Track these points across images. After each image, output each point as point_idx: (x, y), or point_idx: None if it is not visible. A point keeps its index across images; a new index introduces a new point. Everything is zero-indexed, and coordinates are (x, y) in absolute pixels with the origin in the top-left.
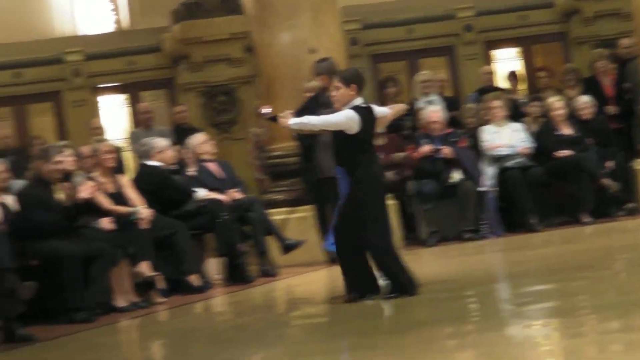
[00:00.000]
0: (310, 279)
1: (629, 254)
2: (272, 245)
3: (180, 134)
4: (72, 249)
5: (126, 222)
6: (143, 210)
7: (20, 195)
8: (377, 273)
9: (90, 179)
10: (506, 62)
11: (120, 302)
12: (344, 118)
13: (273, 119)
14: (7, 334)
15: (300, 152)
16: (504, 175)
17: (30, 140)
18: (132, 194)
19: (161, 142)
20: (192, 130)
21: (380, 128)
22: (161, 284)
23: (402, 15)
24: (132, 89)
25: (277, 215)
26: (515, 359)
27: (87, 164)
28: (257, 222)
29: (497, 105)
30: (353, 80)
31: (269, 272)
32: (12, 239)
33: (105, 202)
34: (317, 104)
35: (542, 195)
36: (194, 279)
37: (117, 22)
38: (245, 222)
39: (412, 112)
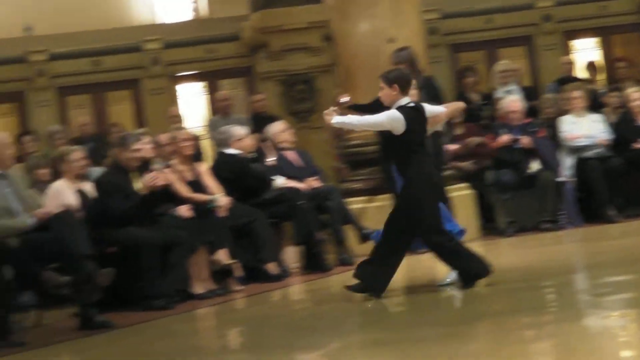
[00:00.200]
0: None
1: None
2: (350, 234)
3: (258, 122)
4: (150, 237)
5: (204, 210)
6: (221, 198)
7: (99, 183)
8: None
9: (169, 166)
10: (585, 52)
11: (198, 289)
12: (387, 118)
13: (352, 107)
14: (84, 320)
15: (379, 140)
16: (582, 165)
17: (108, 127)
18: (210, 181)
19: (240, 130)
20: (271, 119)
21: (435, 127)
22: (239, 271)
23: (481, 5)
24: (210, 77)
25: (355, 204)
26: (592, 350)
27: (166, 151)
28: (335, 211)
29: (577, 95)
30: (395, 80)
31: (346, 261)
32: (90, 226)
33: (184, 190)
34: None
35: (620, 186)
36: (272, 267)
37: (196, 10)
38: (323, 211)
39: (490, 102)
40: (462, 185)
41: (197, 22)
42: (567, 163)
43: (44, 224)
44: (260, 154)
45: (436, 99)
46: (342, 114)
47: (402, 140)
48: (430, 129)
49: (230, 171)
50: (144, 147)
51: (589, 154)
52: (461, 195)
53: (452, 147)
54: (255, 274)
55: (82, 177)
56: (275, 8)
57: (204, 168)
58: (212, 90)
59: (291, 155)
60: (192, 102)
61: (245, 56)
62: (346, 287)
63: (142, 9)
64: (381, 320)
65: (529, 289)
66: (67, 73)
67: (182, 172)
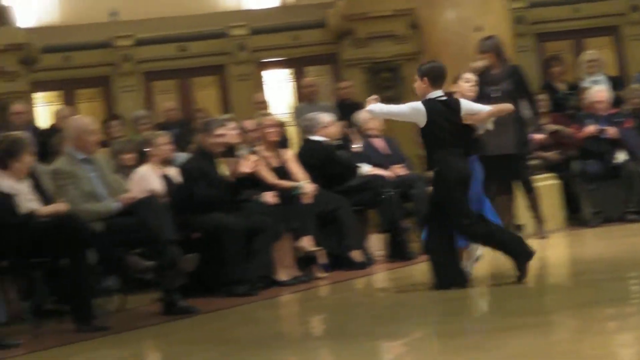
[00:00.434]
0: None
1: None
2: None
3: (344, 109)
4: (235, 222)
5: (289, 197)
6: (306, 185)
7: (183, 168)
8: (464, 264)
9: (254, 152)
10: None
11: (282, 276)
12: (409, 109)
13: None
14: (167, 305)
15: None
16: None
17: (194, 113)
18: (295, 168)
19: (326, 117)
20: (356, 106)
21: (485, 125)
22: (323, 259)
23: None
24: (296, 64)
25: None
26: None
27: (251, 137)
28: (420, 199)
29: None
30: (425, 73)
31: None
32: (174, 211)
33: (269, 176)
34: (483, 82)
35: None
36: (356, 255)
37: None
38: (407, 199)
39: (576, 92)
40: (548, 175)
41: (283, 8)
42: None
43: (128, 208)
44: (345, 141)
45: (522, 88)
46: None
47: (426, 134)
48: (481, 125)
49: (316, 158)
50: (228, 132)
51: None
52: (546, 185)
53: (538, 136)
54: (339, 262)
55: (167, 162)
56: None
57: (290, 155)
58: (297, 77)
59: (378, 142)
60: (278, 89)
61: (331, 43)
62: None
63: None
64: (464, 309)
65: (613, 280)
66: (153, 58)
67: (267, 159)
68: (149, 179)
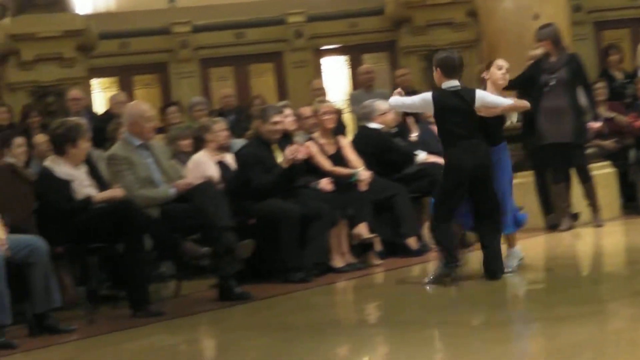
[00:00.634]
0: (528, 245)
1: None
2: None
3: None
4: (291, 209)
5: (346, 184)
6: (363, 172)
7: (239, 155)
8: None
9: (311, 139)
10: None
11: (338, 263)
12: (419, 100)
13: None
14: (223, 291)
15: (522, 117)
16: None
17: (251, 100)
18: (351, 155)
19: (383, 105)
20: (414, 94)
21: (510, 116)
22: (379, 246)
23: None
24: (353, 51)
25: None
26: None
27: (308, 124)
28: None
29: None
30: (438, 64)
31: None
32: (230, 198)
33: (325, 163)
34: (540, 70)
35: None
36: (412, 242)
37: None
38: None
39: (634, 80)
40: (604, 163)
41: None
42: None
43: (184, 194)
44: (403, 129)
45: (579, 77)
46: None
47: (437, 123)
48: (508, 115)
49: (372, 145)
50: (284, 119)
51: None
52: (603, 173)
53: (595, 125)
54: (395, 249)
55: (223, 149)
56: None
57: (346, 142)
58: (354, 64)
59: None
60: (335, 76)
61: (389, 30)
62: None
63: None
64: (519, 298)
65: None
66: (210, 45)
67: (323, 145)
68: (205, 166)
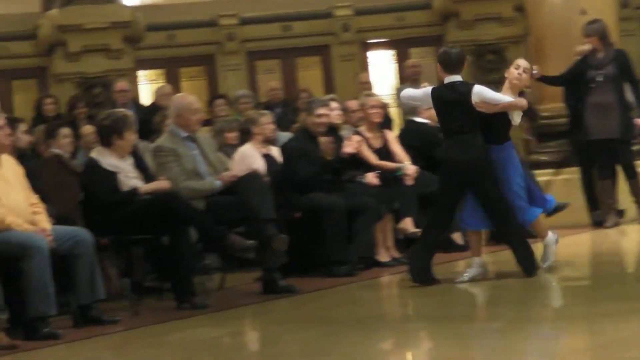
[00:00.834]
0: (572, 242)
1: None
2: None
3: None
4: (336, 203)
5: (391, 178)
6: (409, 167)
7: (285, 148)
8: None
9: (357, 133)
10: None
11: (383, 257)
12: (422, 94)
13: (541, 79)
14: (267, 284)
15: (569, 113)
16: None
17: (297, 93)
18: (398, 149)
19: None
20: None
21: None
22: None
23: None
24: (400, 45)
25: (542, 176)
26: None
27: (354, 118)
28: None
29: None
30: (438, 59)
31: (532, 233)
32: (276, 191)
33: (371, 157)
34: (587, 66)
35: None
36: (457, 237)
37: None
38: None
39: None
40: None
41: None
42: None
43: (230, 187)
44: None
45: (626, 73)
46: (531, 85)
47: (437, 118)
48: (511, 115)
49: (418, 139)
50: (329, 112)
51: None
52: None
53: None
54: (440, 243)
55: (269, 141)
56: None
57: (392, 136)
58: (401, 58)
59: None
60: (382, 70)
61: (436, 25)
62: None
63: None
64: (563, 294)
65: None
66: (257, 38)
67: (369, 139)
68: (251, 158)
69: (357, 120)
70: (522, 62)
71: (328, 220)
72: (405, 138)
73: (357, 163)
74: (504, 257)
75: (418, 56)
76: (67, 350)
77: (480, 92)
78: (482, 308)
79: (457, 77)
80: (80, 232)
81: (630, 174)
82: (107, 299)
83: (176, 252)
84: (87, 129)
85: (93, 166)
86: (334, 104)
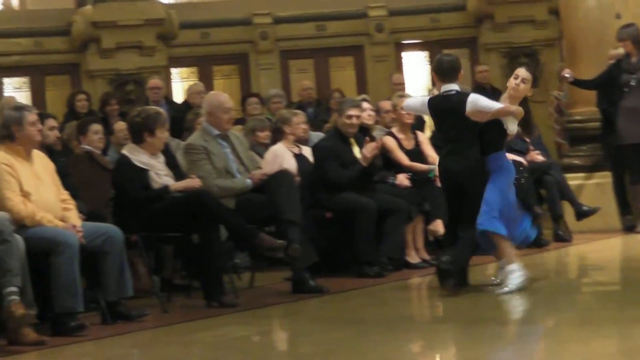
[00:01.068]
0: (603, 246)
1: None
2: (567, 211)
3: (480, 93)
4: (368, 203)
5: (423, 179)
6: None
7: (317, 148)
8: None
9: (389, 134)
10: None
11: (413, 258)
12: (420, 104)
13: (574, 83)
14: (297, 284)
15: (602, 117)
16: None
17: (330, 93)
18: (430, 151)
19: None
20: (493, 91)
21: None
22: None
23: None
24: (434, 47)
25: (573, 180)
26: None
27: (386, 119)
28: (554, 186)
29: None
30: (433, 69)
31: (562, 237)
32: (307, 190)
33: (403, 158)
34: (620, 70)
35: None
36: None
37: None
38: (541, 185)
39: None
40: None
41: None
42: None
43: (261, 185)
44: None
45: None
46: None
47: (435, 127)
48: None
49: None
50: (360, 113)
51: None
52: None
53: None
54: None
55: (302, 141)
56: None
57: (424, 137)
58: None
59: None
60: (415, 71)
61: (470, 27)
62: None
63: None
64: (596, 298)
65: None
66: (291, 37)
67: (401, 140)
68: (282, 157)
69: (390, 121)
70: (521, 72)
71: (359, 220)
72: (437, 140)
73: (389, 164)
74: (536, 260)
75: None
76: (94, 346)
77: (475, 100)
78: (512, 311)
79: (453, 86)
80: (111, 229)
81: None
82: (136, 296)
83: (206, 250)
84: (121, 125)
85: (124, 163)
86: (365, 105)
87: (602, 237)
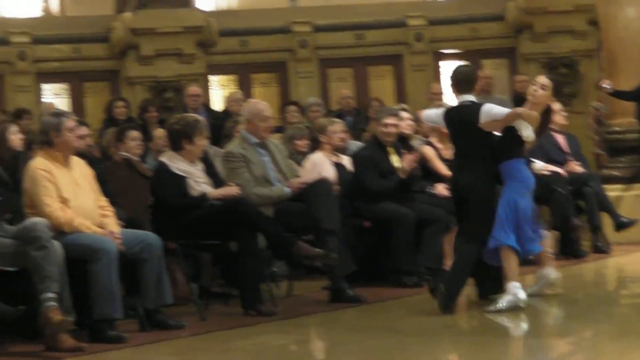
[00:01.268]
0: (637, 259)
1: None
2: (606, 222)
3: (519, 103)
4: (405, 213)
5: None
6: None
7: (354, 157)
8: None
9: (428, 144)
10: None
11: None
12: (435, 114)
13: (613, 94)
14: (335, 293)
15: None
16: None
17: (369, 102)
18: None
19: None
20: None
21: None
22: None
23: None
24: (473, 56)
25: (612, 191)
26: None
27: (425, 128)
28: (592, 197)
29: None
30: (450, 79)
31: (601, 249)
32: (347, 199)
33: (442, 168)
34: None
35: None
36: None
37: None
38: (580, 196)
39: None
40: None
41: (462, 0)
42: None
43: (299, 194)
44: None
45: None
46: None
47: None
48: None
49: None
50: (398, 122)
51: None
52: None
53: None
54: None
55: (340, 150)
56: None
57: None
58: None
59: (559, 138)
60: None
61: (509, 37)
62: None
63: None
64: (634, 310)
65: None
66: (330, 45)
67: (440, 150)
68: (321, 166)
69: (428, 130)
70: (541, 79)
71: (397, 230)
72: None
73: (427, 174)
74: (575, 272)
75: (490, 68)
76: (132, 353)
77: (488, 110)
78: (550, 323)
79: (468, 97)
80: (149, 236)
81: None
82: (174, 303)
83: (244, 259)
84: (159, 133)
85: (162, 170)
86: (404, 114)
87: (637, 250)
